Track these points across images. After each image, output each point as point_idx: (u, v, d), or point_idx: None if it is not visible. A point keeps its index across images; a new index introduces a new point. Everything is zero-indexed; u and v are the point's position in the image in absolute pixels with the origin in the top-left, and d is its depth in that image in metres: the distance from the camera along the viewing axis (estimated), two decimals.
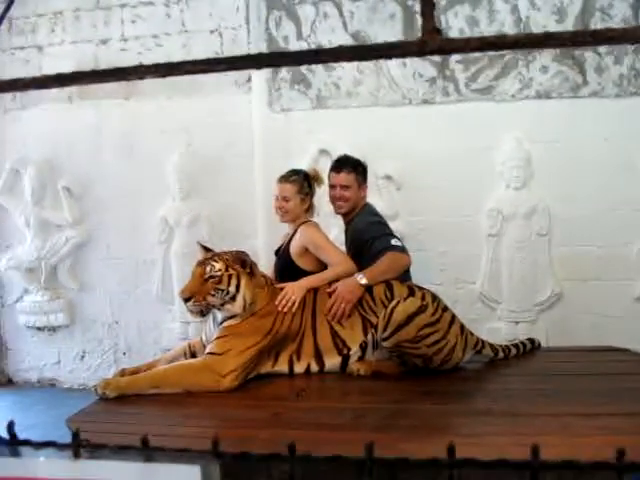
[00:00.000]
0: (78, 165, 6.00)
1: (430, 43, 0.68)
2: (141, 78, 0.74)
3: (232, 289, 3.36)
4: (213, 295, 3.34)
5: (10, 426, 0.84)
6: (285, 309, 3.45)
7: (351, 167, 4.14)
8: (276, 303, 3.46)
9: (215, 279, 3.35)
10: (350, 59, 0.72)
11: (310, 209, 4.05)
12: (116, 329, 6.13)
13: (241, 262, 3.44)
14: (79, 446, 0.78)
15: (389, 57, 0.71)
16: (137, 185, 5.88)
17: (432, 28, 0.67)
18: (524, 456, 0.84)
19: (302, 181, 4.00)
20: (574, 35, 0.67)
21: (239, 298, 3.37)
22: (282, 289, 3.56)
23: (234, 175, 5.69)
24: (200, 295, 3.32)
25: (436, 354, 3.34)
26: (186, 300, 3.34)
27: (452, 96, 5.27)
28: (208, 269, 3.37)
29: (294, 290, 3.52)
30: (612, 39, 0.69)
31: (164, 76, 0.75)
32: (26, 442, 0.82)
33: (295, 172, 4.08)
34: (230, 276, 3.37)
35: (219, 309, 3.42)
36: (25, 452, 0.91)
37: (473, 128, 5.19)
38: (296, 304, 3.48)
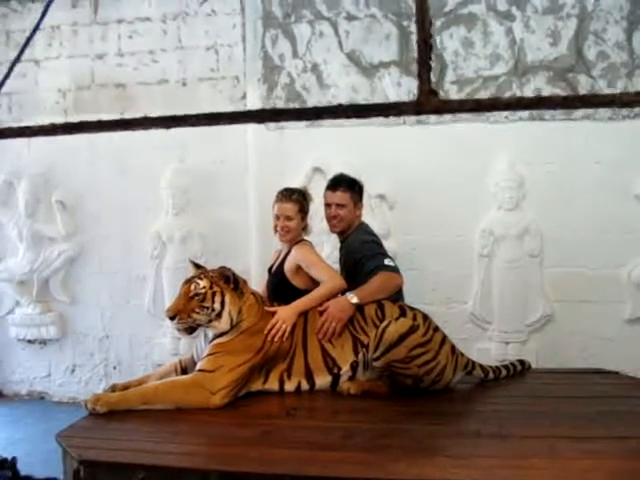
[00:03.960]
0: (72, 179, 6.01)
1: (426, 104, 0.70)
2: (146, 129, 0.76)
3: (217, 306, 3.36)
4: (198, 313, 3.34)
5: (13, 462, 0.85)
6: (275, 339, 3.43)
7: (347, 186, 4.16)
8: (265, 332, 3.44)
9: (200, 297, 3.35)
10: (348, 117, 0.74)
11: (306, 228, 4.06)
12: (107, 343, 6.11)
13: (225, 278, 3.44)
14: None
15: (386, 115, 0.72)
16: (130, 200, 5.88)
17: (428, 90, 0.69)
18: (512, 478, 0.84)
19: (302, 200, 4.00)
20: (565, 99, 0.69)
21: (225, 315, 3.37)
22: (272, 313, 3.54)
23: (227, 192, 5.70)
24: (185, 313, 3.32)
25: (427, 374, 3.34)
26: (171, 318, 3.34)
27: (446, 116, 5.29)
28: (193, 287, 3.37)
29: (284, 319, 3.48)
30: (599, 104, 0.71)
31: (168, 128, 0.76)
32: (28, 478, 0.83)
33: (293, 191, 4.07)
34: (214, 293, 3.37)
35: (206, 327, 3.42)
36: None
37: (466, 149, 5.22)
38: (287, 333, 3.46)
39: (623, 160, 5.02)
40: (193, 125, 0.77)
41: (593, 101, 0.75)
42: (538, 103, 0.76)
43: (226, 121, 0.79)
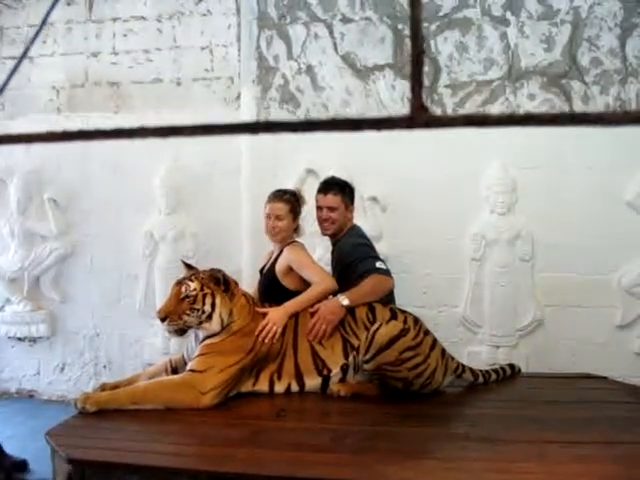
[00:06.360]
0: (64, 177, 5.99)
1: (418, 119, 0.71)
2: (142, 138, 0.76)
3: (207, 308, 3.37)
4: (189, 315, 3.35)
5: (7, 465, 0.85)
6: (266, 340, 3.44)
7: (338, 189, 4.15)
8: (256, 333, 3.45)
9: (190, 299, 3.36)
10: (341, 129, 0.74)
11: (297, 229, 4.06)
12: (97, 342, 6.09)
13: (215, 280, 3.45)
14: None
15: (379, 129, 0.73)
16: (123, 198, 5.86)
17: (420, 105, 0.69)
18: None
19: (294, 200, 4.01)
20: (554, 117, 0.69)
21: (215, 317, 3.39)
22: (263, 314, 3.55)
23: (220, 192, 5.69)
24: (175, 315, 3.34)
25: (417, 378, 3.35)
26: (162, 320, 3.35)
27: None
28: (183, 289, 3.39)
29: (275, 321, 3.49)
30: (590, 122, 0.72)
31: (164, 137, 0.77)
32: None
33: (285, 191, 4.08)
34: (205, 295, 3.38)
35: (197, 328, 3.43)
36: None
37: (459, 152, 5.20)
38: (277, 335, 3.47)
39: (615, 166, 5.02)
40: (188, 135, 0.77)
41: (584, 119, 0.76)
42: (528, 120, 0.76)
43: (220, 132, 0.79)
